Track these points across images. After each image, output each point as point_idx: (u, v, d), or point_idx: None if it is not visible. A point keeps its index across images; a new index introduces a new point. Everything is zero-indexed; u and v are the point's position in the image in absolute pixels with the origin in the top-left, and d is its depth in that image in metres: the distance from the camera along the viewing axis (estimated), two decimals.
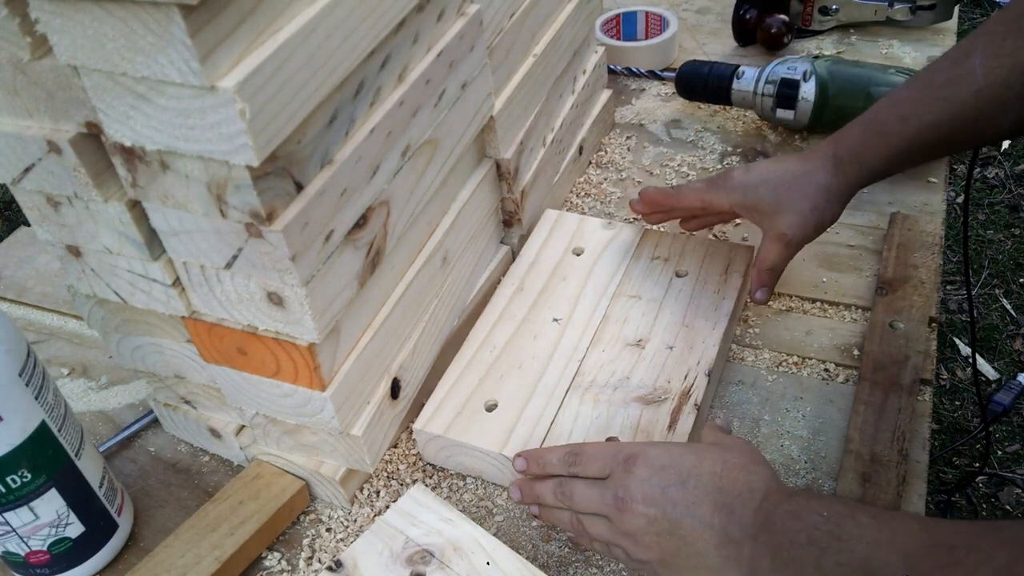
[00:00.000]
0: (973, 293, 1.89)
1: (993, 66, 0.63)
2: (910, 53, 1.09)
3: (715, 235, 0.87)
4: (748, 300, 0.76)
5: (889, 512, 0.49)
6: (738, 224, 0.88)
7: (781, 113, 0.95)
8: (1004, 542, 0.41)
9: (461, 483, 0.69)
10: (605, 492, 0.57)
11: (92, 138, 0.51)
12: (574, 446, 0.60)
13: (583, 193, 0.95)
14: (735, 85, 0.98)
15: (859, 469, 0.65)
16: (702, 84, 1.01)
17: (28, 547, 0.61)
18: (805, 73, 0.93)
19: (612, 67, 1.11)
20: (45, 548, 0.62)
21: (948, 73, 0.66)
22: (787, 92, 0.94)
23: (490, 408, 0.69)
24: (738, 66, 0.99)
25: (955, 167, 2.19)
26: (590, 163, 0.99)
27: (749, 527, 0.51)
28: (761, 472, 0.55)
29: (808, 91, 0.93)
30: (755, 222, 0.74)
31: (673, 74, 1.05)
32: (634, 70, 1.11)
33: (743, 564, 0.51)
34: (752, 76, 0.97)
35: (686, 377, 0.69)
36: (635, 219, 0.90)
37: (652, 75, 1.11)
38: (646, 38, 1.15)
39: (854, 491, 0.63)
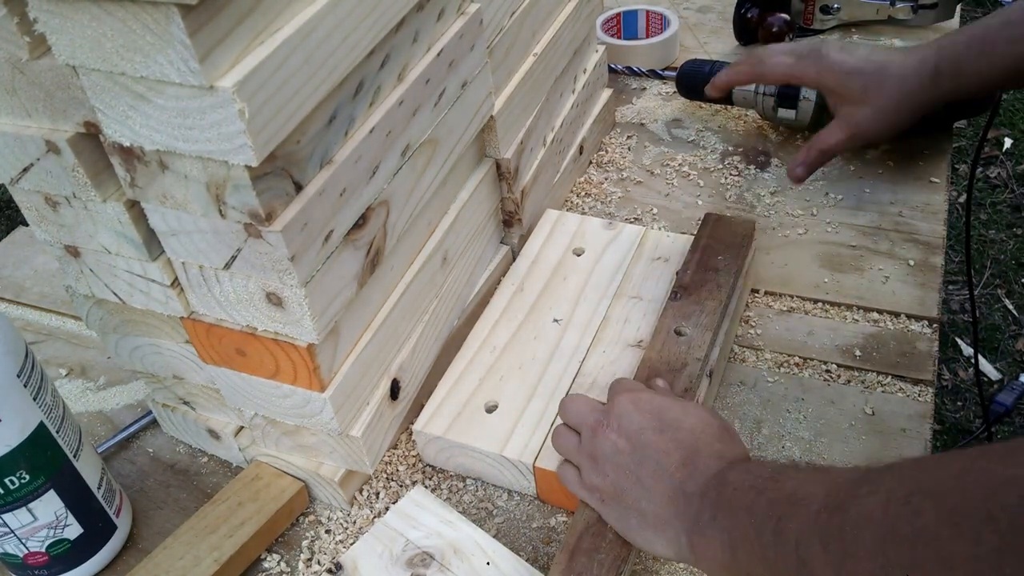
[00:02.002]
0: (975, 293, 1.88)
1: None
2: None
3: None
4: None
5: (837, 466, 0.50)
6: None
7: (782, 113, 0.95)
8: (914, 466, 0.41)
9: (461, 484, 0.69)
10: (593, 411, 0.60)
11: (91, 138, 0.51)
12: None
13: (583, 193, 0.95)
14: None
15: None
16: (703, 83, 1.00)
17: (26, 548, 0.61)
18: None
19: (613, 66, 1.11)
20: (43, 550, 0.62)
21: None
22: (788, 91, 0.93)
23: (490, 409, 0.69)
24: None
25: (957, 167, 2.18)
26: (590, 163, 0.99)
27: (703, 485, 0.53)
28: (733, 444, 0.56)
29: (809, 90, 0.92)
30: (830, 104, 0.71)
31: (674, 73, 1.05)
32: (635, 69, 1.11)
33: (687, 518, 0.52)
34: None
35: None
36: (638, 219, 0.90)
37: (653, 74, 1.10)
38: (647, 37, 1.15)
39: None
